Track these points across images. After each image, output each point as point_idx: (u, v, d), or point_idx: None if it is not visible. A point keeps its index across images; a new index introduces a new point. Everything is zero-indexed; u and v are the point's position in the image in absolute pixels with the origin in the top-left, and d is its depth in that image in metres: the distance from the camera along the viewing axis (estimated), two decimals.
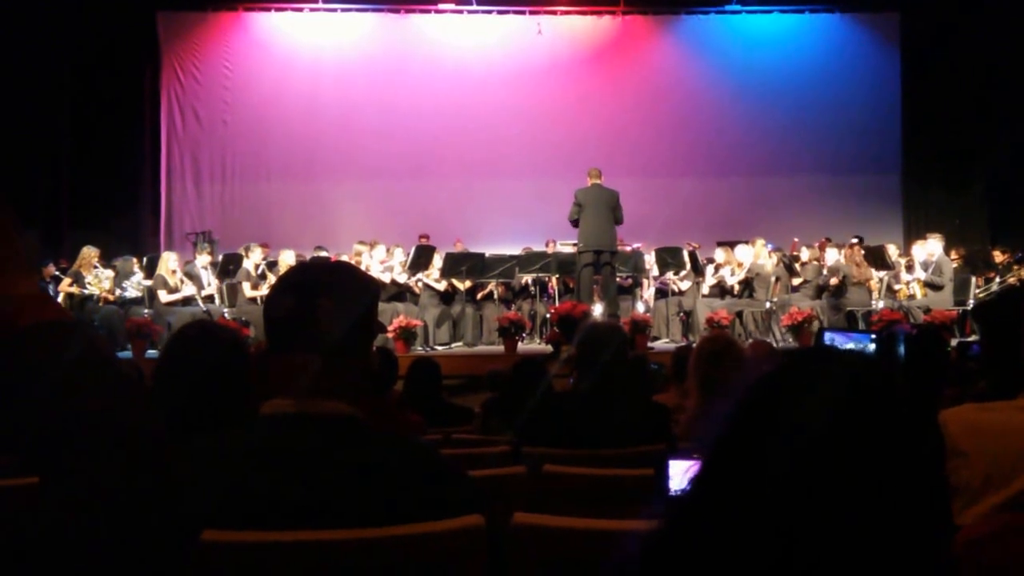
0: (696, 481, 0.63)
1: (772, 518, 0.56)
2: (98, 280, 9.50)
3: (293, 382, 1.46)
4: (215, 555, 1.33)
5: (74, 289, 9.46)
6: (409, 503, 1.41)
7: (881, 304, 9.61)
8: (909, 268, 9.99)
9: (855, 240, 10.54)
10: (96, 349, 0.86)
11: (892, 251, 10.43)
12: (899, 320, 8.74)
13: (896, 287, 9.93)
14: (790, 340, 9.11)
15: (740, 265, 9.88)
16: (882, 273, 9.93)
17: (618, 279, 9.86)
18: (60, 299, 9.49)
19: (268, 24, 13.32)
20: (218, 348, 2.12)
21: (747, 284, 9.80)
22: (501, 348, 8.89)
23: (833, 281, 9.54)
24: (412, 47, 13.30)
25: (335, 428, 1.45)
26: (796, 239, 11.29)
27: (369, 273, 9.15)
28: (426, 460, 1.50)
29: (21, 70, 11.24)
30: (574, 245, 9.71)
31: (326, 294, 1.49)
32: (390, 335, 8.67)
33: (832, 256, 9.87)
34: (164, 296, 9.17)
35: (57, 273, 10.13)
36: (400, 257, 10.07)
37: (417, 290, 9.88)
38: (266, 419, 1.47)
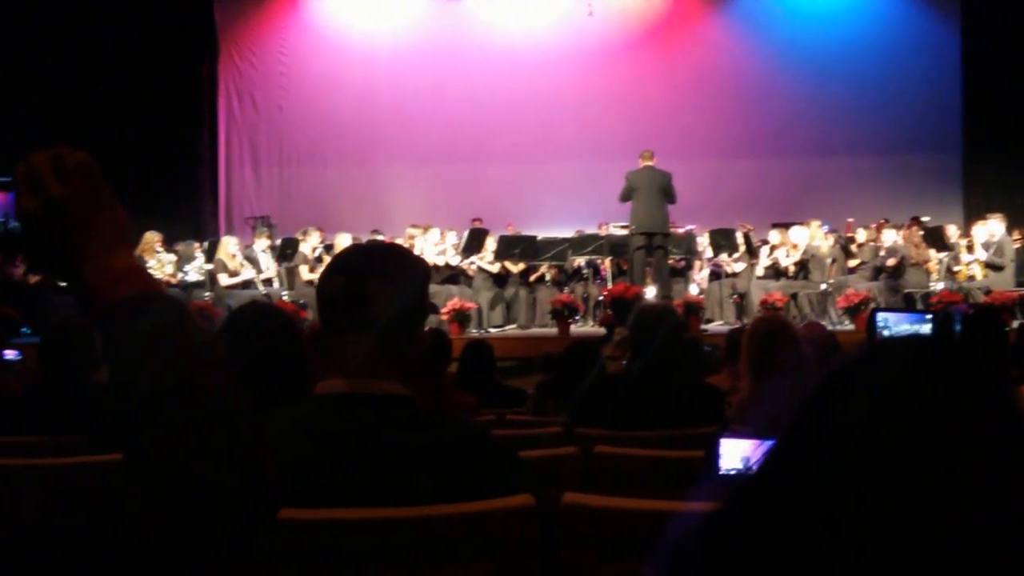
0: (763, 464, 0.60)
1: (840, 504, 0.53)
2: (161, 264, 9.78)
3: (346, 362, 1.48)
4: (273, 531, 1.34)
5: None
6: (460, 482, 1.43)
7: (940, 286, 9.46)
8: (969, 249, 9.80)
9: (913, 220, 10.38)
10: (185, 322, 0.88)
11: (952, 231, 10.25)
12: (959, 302, 8.61)
13: (956, 268, 9.75)
14: (846, 322, 9.03)
15: (795, 247, 9.79)
16: (941, 254, 9.77)
17: (671, 261, 9.85)
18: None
19: (322, 10, 13.46)
20: (271, 328, 2.16)
21: (802, 266, 9.72)
22: (554, 330, 8.96)
23: (890, 262, 9.41)
24: (464, 31, 13.34)
25: (387, 407, 1.47)
26: (851, 220, 11.13)
27: (421, 256, 9.31)
28: (477, 440, 1.53)
29: (85, 60, 11.59)
30: (626, 227, 9.73)
31: (376, 276, 1.51)
32: (444, 317, 8.80)
33: (890, 237, 9.73)
34: (224, 279, 9.41)
35: None
36: (453, 240, 10.19)
37: (471, 273, 9.99)
38: (320, 398, 1.50)
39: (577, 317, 9.35)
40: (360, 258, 1.63)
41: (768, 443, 0.62)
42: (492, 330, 9.43)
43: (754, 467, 0.61)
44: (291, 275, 9.86)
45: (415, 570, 1.45)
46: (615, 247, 9.85)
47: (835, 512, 0.53)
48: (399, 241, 10.12)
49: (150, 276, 0.91)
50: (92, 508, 0.78)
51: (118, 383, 0.84)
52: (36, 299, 8.25)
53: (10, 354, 6.03)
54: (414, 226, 10.26)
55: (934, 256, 9.78)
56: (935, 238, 9.72)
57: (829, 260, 9.74)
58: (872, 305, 9.00)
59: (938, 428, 0.56)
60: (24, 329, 7.40)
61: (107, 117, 12.19)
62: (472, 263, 9.98)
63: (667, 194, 9.18)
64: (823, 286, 9.58)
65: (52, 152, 0.88)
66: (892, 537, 0.51)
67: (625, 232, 9.71)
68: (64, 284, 0.89)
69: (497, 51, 13.22)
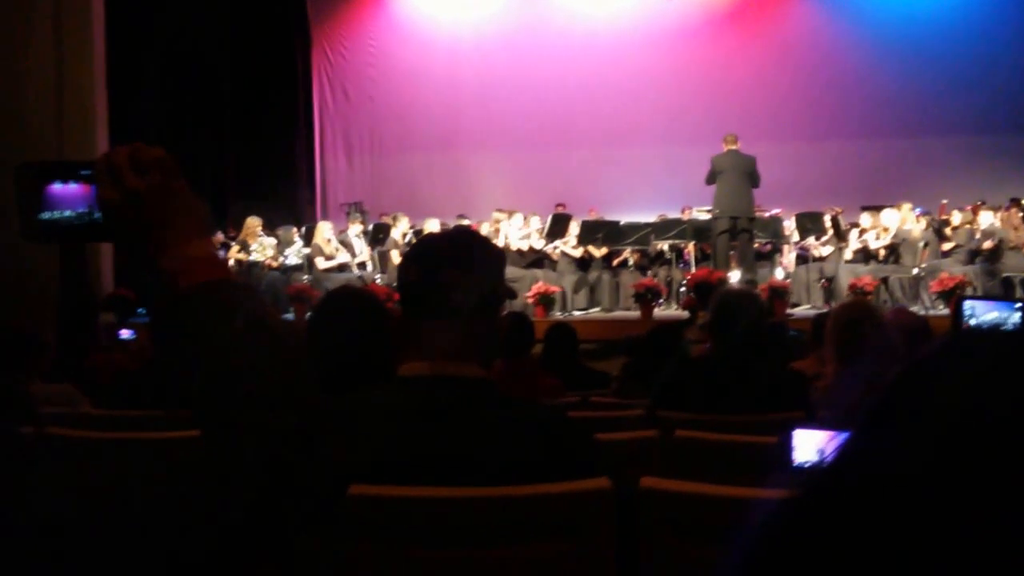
0: (836, 457, 0.57)
1: (914, 503, 0.51)
2: (262, 248, 10.22)
3: (426, 347, 1.53)
4: (355, 508, 1.40)
5: (241, 256, 10.22)
6: (537, 464, 1.46)
7: None
8: None
9: (1013, 202, 10.02)
10: (256, 310, 0.91)
11: None
12: None
13: None
14: (940, 307, 8.82)
15: (885, 230, 9.58)
16: None
17: (757, 245, 9.77)
18: (229, 265, 10.29)
19: (409, 3, 13.71)
20: (360, 312, 2.22)
21: (892, 249, 9.51)
22: (637, 314, 8.99)
23: (987, 245, 9.11)
24: (546, 17, 13.39)
25: (466, 389, 1.51)
26: (945, 201, 10.79)
27: (499, 241, 9.46)
28: (554, 422, 1.56)
29: (188, 56, 12.11)
30: (710, 211, 9.69)
31: (450, 263, 1.54)
32: (530, 300, 8.95)
33: (987, 219, 9.41)
34: (321, 263, 9.77)
35: (226, 241, 10.96)
36: (537, 225, 10.31)
37: (555, 257, 10.10)
38: (401, 380, 1.56)
39: (660, 301, 9.36)
40: (436, 247, 1.67)
41: (842, 435, 0.60)
42: (576, 313, 9.52)
43: (827, 460, 0.57)
44: (383, 259, 10.15)
45: (492, 550, 1.47)
46: (698, 231, 9.82)
47: (908, 511, 0.51)
48: (484, 226, 10.32)
49: (225, 265, 0.96)
50: (180, 481, 0.82)
51: (191, 365, 0.88)
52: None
53: (125, 333, 6.45)
54: (499, 211, 10.40)
55: None
56: None
57: (921, 243, 9.50)
58: (968, 290, 8.77)
59: (1018, 427, 0.53)
60: (140, 310, 7.83)
61: (210, 110, 12.73)
62: (556, 247, 10.08)
63: (752, 177, 9.11)
64: (915, 270, 9.36)
65: (131, 147, 0.93)
66: (967, 540, 0.49)
67: (709, 216, 9.67)
68: (144, 270, 0.94)
69: (578, 36, 13.22)
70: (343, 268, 9.90)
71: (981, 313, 3.66)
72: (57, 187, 0.95)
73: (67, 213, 0.95)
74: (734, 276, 9.08)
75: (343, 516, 1.39)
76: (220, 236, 11.02)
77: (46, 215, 0.94)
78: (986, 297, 4.72)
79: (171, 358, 0.91)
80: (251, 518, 0.81)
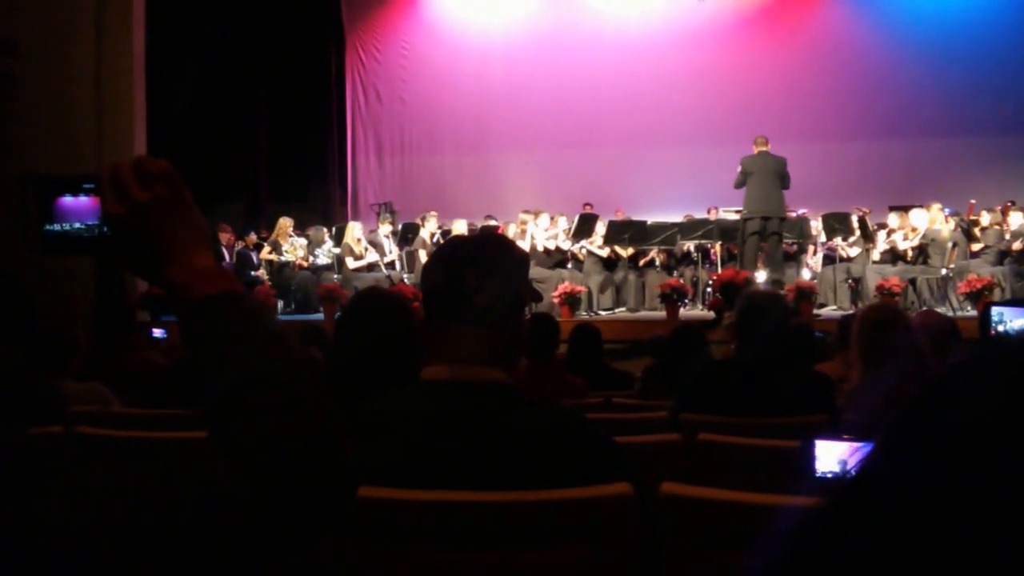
0: (861, 468, 0.56)
1: (936, 517, 0.50)
2: (293, 248, 10.34)
3: (448, 350, 1.53)
4: (372, 511, 1.40)
5: (273, 256, 10.35)
6: (558, 469, 1.44)
7: None
8: None
9: None
10: (262, 317, 0.92)
11: None
12: None
13: None
14: (968, 309, 8.72)
15: (914, 230, 9.49)
16: None
17: (784, 246, 9.72)
18: (261, 266, 10.40)
19: (441, 6, 13.85)
20: (386, 314, 2.23)
21: (921, 250, 9.42)
22: (663, 314, 8.98)
23: (1016, 246, 9.00)
24: (576, 19, 13.42)
25: (487, 393, 1.51)
26: (973, 201, 10.66)
27: (525, 241, 9.48)
28: (576, 427, 1.53)
29: (222, 58, 12.27)
30: (737, 212, 9.65)
31: (473, 267, 1.53)
32: (556, 300, 8.96)
33: (1016, 220, 9.28)
34: (351, 263, 9.85)
35: (258, 241, 11.08)
36: (564, 225, 10.33)
37: (581, 257, 10.12)
38: (423, 383, 1.56)
39: (686, 301, 9.35)
40: (459, 250, 1.65)
41: (864, 446, 0.59)
42: (602, 313, 9.53)
43: (852, 471, 0.57)
44: (411, 259, 10.22)
45: (510, 555, 1.46)
46: (725, 232, 9.79)
47: (931, 526, 0.50)
48: (511, 226, 10.35)
49: (230, 274, 0.96)
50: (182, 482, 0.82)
51: (201, 375, 0.89)
52: None
53: (158, 332, 6.55)
54: (526, 212, 10.42)
55: None
56: None
57: (950, 244, 9.39)
58: (996, 291, 8.67)
59: None
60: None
61: (245, 112, 12.89)
62: (582, 247, 10.09)
63: (783, 179, 9.09)
64: (943, 271, 9.26)
65: (135, 160, 0.93)
66: (990, 557, 0.48)
67: (736, 217, 9.63)
68: (150, 283, 0.95)
69: (608, 37, 13.24)
70: (372, 268, 9.98)
71: (1009, 319, 3.60)
72: (67, 200, 0.96)
73: (76, 225, 0.96)
74: (761, 276, 9.04)
75: (356, 519, 1.39)
76: (253, 237, 11.15)
77: (56, 227, 0.95)
78: (1014, 303, 4.60)
79: (193, 366, 0.91)
80: (263, 527, 0.80)
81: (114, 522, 0.74)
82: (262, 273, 10.30)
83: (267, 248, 10.48)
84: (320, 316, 9.22)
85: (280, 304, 10.06)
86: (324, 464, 0.85)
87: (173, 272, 0.91)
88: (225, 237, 10.55)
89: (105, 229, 0.94)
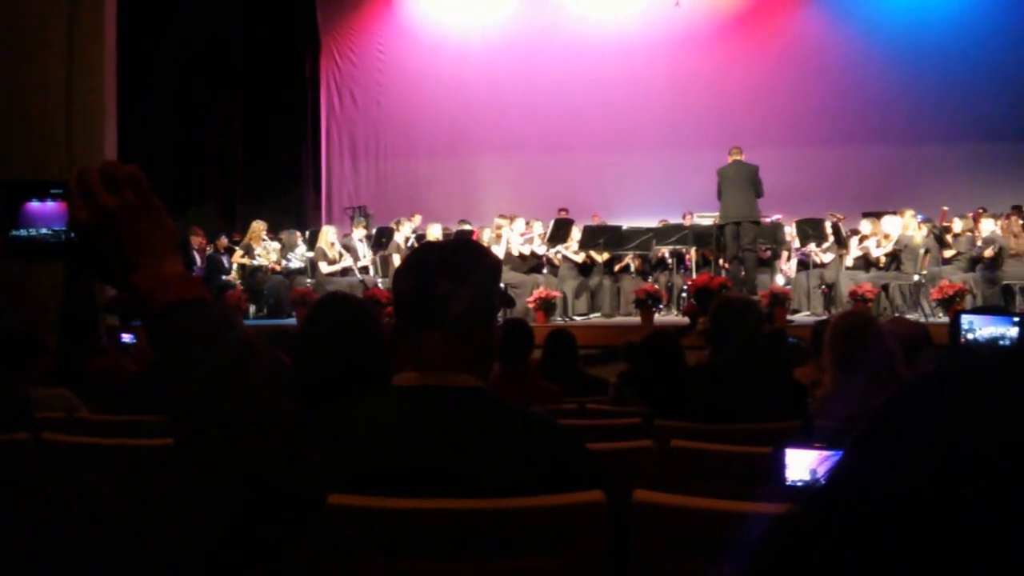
0: (831, 478, 0.57)
1: (906, 527, 0.50)
2: (266, 252, 10.27)
3: (419, 356, 1.52)
4: (341, 519, 1.38)
5: (245, 260, 10.26)
6: (529, 476, 1.43)
7: None
8: None
9: (1014, 209, 10.01)
10: (231, 325, 0.91)
11: None
12: None
13: None
14: (940, 315, 8.82)
15: (887, 236, 9.58)
16: None
17: (757, 251, 9.79)
18: (233, 270, 10.32)
19: (417, 9, 13.83)
20: (351, 321, 2.20)
21: (894, 256, 9.51)
22: (638, 319, 9.01)
23: (988, 253, 9.11)
24: (553, 24, 13.46)
25: (459, 400, 1.49)
26: (946, 208, 10.79)
27: (501, 246, 9.48)
28: (549, 433, 1.53)
29: (195, 60, 12.15)
30: (712, 217, 9.71)
31: (444, 273, 1.52)
32: (530, 306, 8.96)
33: (988, 227, 9.40)
34: (324, 267, 9.80)
35: (231, 245, 10.98)
36: (539, 230, 10.33)
37: (556, 262, 10.12)
38: (394, 390, 1.54)
39: (660, 306, 9.38)
40: (431, 256, 1.64)
41: (834, 455, 0.59)
42: (577, 318, 9.54)
43: (822, 479, 0.57)
44: (385, 263, 10.19)
45: (483, 563, 1.44)
46: (700, 237, 9.85)
47: (900, 534, 0.50)
48: (487, 231, 10.34)
49: (198, 281, 0.95)
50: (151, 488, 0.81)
51: (167, 382, 0.88)
52: None
53: (127, 337, 6.47)
54: (501, 216, 10.42)
55: None
56: None
57: (922, 250, 9.50)
58: (968, 298, 8.77)
59: (1015, 453, 0.51)
60: None
61: (217, 114, 12.77)
62: (557, 252, 10.10)
63: (755, 186, 9.18)
64: (916, 277, 9.36)
65: (104, 165, 0.91)
66: (957, 563, 0.48)
67: (710, 222, 9.71)
68: (117, 289, 0.94)
69: (585, 42, 13.28)
70: (346, 272, 9.93)
71: (979, 327, 3.63)
72: (35, 205, 0.94)
73: (43, 231, 0.94)
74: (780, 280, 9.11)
75: (326, 527, 1.38)
76: (225, 240, 11.05)
77: (22, 233, 0.94)
78: (984, 311, 4.67)
79: (159, 373, 0.90)
80: (232, 537, 0.80)
81: (80, 531, 0.73)
82: (234, 277, 10.22)
83: (240, 252, 10.39)
84: (293, 320, 9.19)
85: (252, 308, 9.99)
86: (293, 472, 0.84)
87: (140, 279, 0.91)
88: (197, 240, 10.46)
89: (72, 235, 0.93)
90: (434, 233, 10.09)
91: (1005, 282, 9.13)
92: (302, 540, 0.91)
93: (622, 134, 12.89)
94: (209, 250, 10.66)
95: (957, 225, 10.18)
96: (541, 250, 10.13)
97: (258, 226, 10.45)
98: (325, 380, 2.05)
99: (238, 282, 10.10)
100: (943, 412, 0.53)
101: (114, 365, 4.86)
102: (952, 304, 8.57)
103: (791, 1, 13.26)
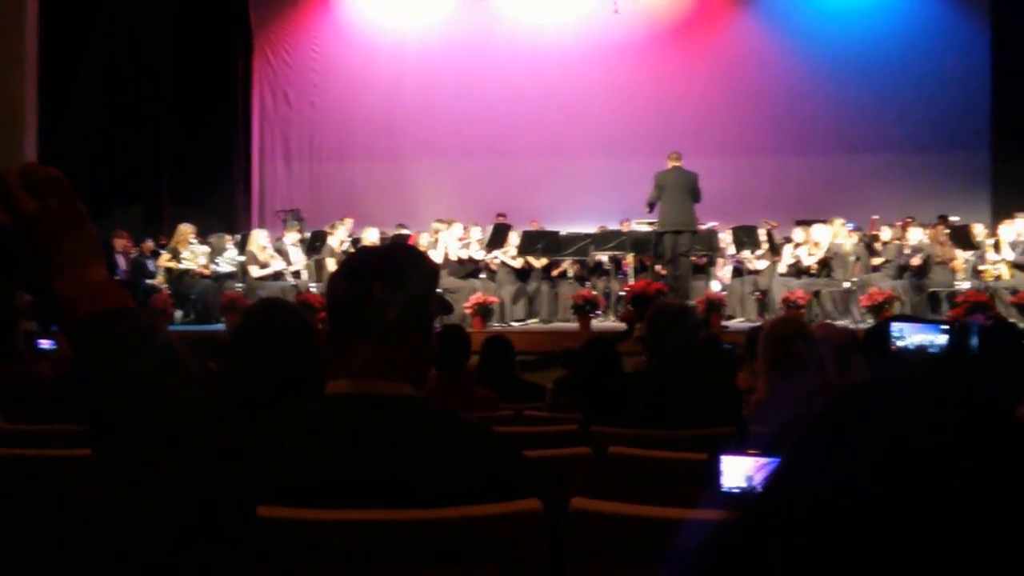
0: (767, 485, 0.58)
1: (843, 533, 0.52)
2: (194, 256, 10.01)
3: (353, 364, 1.49)
4: (272, 532, 1.36)
5: (172, 264, 9.98)
6: (465, 485, 1.42)
7: (966, 285, 9.41)
8: (996, 248, 9.73)
9: (940, 219, 10.32)
10: (157, 335, 0.89)
11: (979, 231, 10.16)
12: (985, 302, 8.57)
13: (982, 268, 9.69)
14: (869, 320, 9.02)
15: (817, 244, 9.78)
16: (967, 253, 9.71)
17: (693, 258, 9.90)
18: (159, 274, 10.03)
19: (353, 9, 13.65)
20: (283, 326, 2.17)
21: (825, 264, 9.71)
22: (575, 325, 9.03)
23: (915, 261, 9.37)
24: (491, 28, 13.44)
25: (393, 408, 1.47)
26: (875, 217, 11.08)
27: (438, 250, 9.41)
28: (485, 441, 1.51)
29: (123, 57, 11.79)
30: (650, 224, 9.79)
31: (379, 278, 1.50)
32: (467, 311, 8.90)
33: (915, 236, 9.68)
34: (255, 271, 9.59)
35: (157, 248, 10.68)
36: (477, 235, 10.29)
37: (494, 267, 10.08)
38: (326, 399, 1.52)
39: (598, 312, 9.41)
40: (366, 262, 1.62)
41: (769, 461, 0.65)
42: (514, 324, 9.51)
43: (760, 485, 0.59)
44: (319, 268, 10.02)
45: (418, 573, 1.43)
46: (637, 243, 9.91)
47: (836, 536, 0.51)
48: (424, 235, 10.25)
49: (122, 289, 0.92)
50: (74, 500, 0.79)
51: (88, 392, 0.85)
52: None
53: (45, 343, 6.20)
54: (439, 220, 10.35)
55: (960, 255, 9.71)
56: (961, 237, 9.65)
57: (852, 258, 9.72)
58: (896, 305, 9.00)
59: (945, 457, 0.54)
60: None
61: (144, 113, 12.40)
62: (495, 257, 10.06)
63: (693, 193, 9.25)
64: (846, 284, 9.57)
65: (24, 168, 0.88)
66: (892, 562, 0.50)
67: (648, 228, 9.77)
68: (37, 296, 0.90)
69: (524, 47, 13.29)
70: (278, 276, 9.74)
71: (909, 335, 3.71)
72: None
73: None
74: (714, 286, 9.17)
75: (256, 540, 1.34)
76: (150, 243, 10.76)
77: None
78: (913, 319, 4.79)
79: (80, 384, 0.86)
80: (157, 551, 0.78)
81: (11, 537, 0.72)
82: (160, 281, 9.94)
83: (166, 255, 10.11)
84: (222, 326, 8.98)
85: (179, 313, 9.72)
86: (219, 485, 0.83)
87: (61, 286, 0.87)
88: (121, 243, 10.14)
89: None
90: (370, 237, 9.96)
91: (932, 289, 9.39)
92: (235, 554, 0.88)
93: (561, 140, 12.93)
94: (134, 253, 10.36)
95: (886, 234, 10.45)
96: (479, 255, 10.09)
97: (186, 229, 10.16)
98: (258, 388, 2.00)
99: (164, 286, 9.83)
100: (877, 419, 0.56)
101: (31, 372, 4.65)
102: (881, 311, 8.78)
103: (729, 12, 13.47)
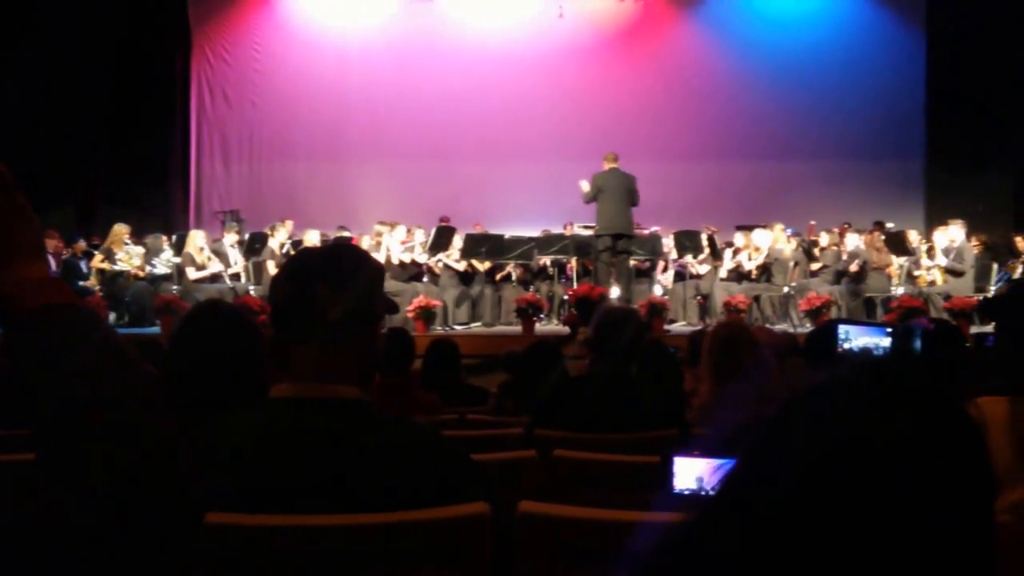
0: (721, 489, 0.60)
1: (797, 534, 0.53)
2: (128, 257, 9.75)
3: (296, 367, 1.47)
4: (217, 537, 1.33)
5: (105, 265, 9.69)
6: (411, 489, 1.40)
7: (901, 290, 9.63)
8: (930, 254, 9.98)
9: (876, 225, 10.55)
10: (102, 332, 0.87)
11: (913, 237, 10.42)
12: (919, 308, 8.76)
13: (916, 273, 9.94)
14: (807, 325, 9.17)
15: (758, 249, 9.92)
16: (902, 259, 9.94)
17: (635, 262, 9.95)
18: (92, 275, 9.73)
19: (296, 7, 13.46)
20: (227, 329, 2.13)
21: (765, 269, 9.85)
22: (519, 329, 9.02)
23: (852, 267, 9.57)
24: (436, 30, 13.37)
25: (338, 411, 1.45)
26: (814, 223, 11.30)
27: (381, 253, 9.30)
28: (430, 445, 1.49)
29: (58, 52, 11.43)
30: (592, 228, 9.81)
31: (324, 279, 1.48)
32: (410, 315, 8.81)
33: (852, 241, 9.88)
34: (192, 273, 9.37)
35: (89, 249, 10.36)
36: (420, 238, 10.21)
37: (437, 271, 10.01)
38: (269, 402, 1.49)
39: (542, 316, 9.41)
40: (310, 262, 1.58)
41: (722, 464, 0.67)
42: (457, 327, 9.46)
43: (715, 487, 0.62)
44: (258, 270, 9.85)
45: None
46: (580, 247, 9.92)
47: (789, 536, 0.53)
48: (366, 238, 10.13)
49: (66, 287, 0.90)
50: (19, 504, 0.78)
51: (31, 391, 0.83)
52: None
53: None
54: (381, 223, 10.25)
55: (895, 261, 9.94)
56: (897, 243, 9.88)
57: (792, 263, 9.88)
58: (834, 309, 9.16)
59: (894, 457, 0.55)
60: None
61: (79, 110, 12.03)
62: (439, 261, 10.00)
63: (631, 196, 9.27)
64: (785, 289, 9.72)
65: None
66: (843, 560, 0.51)
67: (590, 232, 9.79)
68: None
69: (468, 50, 13.26)
70: (215, 279, 9.53)
71: (855, 338, 3.75)
72: None
73: None
74: (614, 292, 9.20)
75: (201, 547, 1.28)
76: (83, 244, 10.44)
77: None
78: (858, 322, 4.91)
79: (18, 382, 0.84)
80: (102, 558, 0.76)
81: None
82: (93, 283, 9.64)
83: (99, 256, 9.82)
84: (157, 329, 8.77)
85: (113, 316, 9.45)
86: (167, 489, 0.81)
87: (5, 281, 0.86)
88: (52, 244, 9.83)
89: None
90: (311, 239, 9.80)
91: (868, 294, 9.60)
92: (181, 560, 0.85)
93: (504, 143, 12.92)
94: (66, 254, 10.06)
95: (824, 239, 10.66)
96: (422, 258, 10.01)
97: (120, 229, 9.90)
98: (199, 391, 1.94)
99: (97, 288, 9.54)
100: (830, 422, 0.57)
101: None
102: (819, 315, 8.94)
103: (672, 19, 13.63)
